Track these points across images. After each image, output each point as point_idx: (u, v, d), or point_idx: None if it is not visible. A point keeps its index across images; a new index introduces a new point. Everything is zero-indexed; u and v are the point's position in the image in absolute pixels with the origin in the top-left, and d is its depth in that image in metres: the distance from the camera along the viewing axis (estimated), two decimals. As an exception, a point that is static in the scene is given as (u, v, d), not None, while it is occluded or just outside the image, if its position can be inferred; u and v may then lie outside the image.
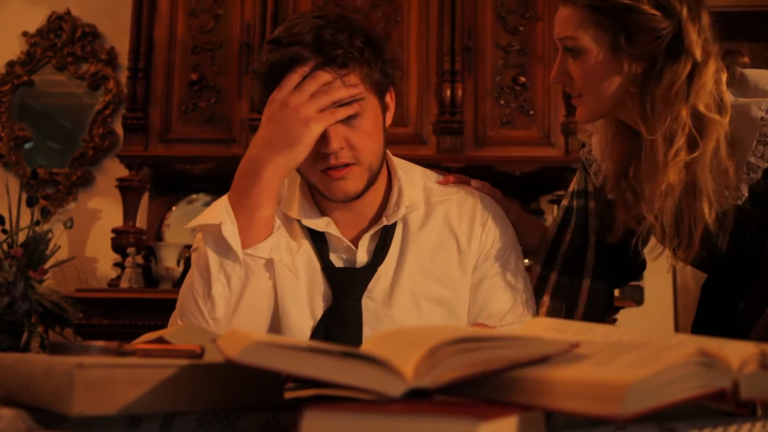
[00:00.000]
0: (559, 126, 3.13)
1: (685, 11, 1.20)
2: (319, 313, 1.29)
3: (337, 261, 1.32)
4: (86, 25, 3.65)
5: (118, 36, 3.55)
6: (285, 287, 1.30)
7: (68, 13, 3.65)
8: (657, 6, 1.20)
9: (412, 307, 1.31)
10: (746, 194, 1.24)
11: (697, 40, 1.20)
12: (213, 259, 1.19)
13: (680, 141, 1.19)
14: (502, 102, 3.15)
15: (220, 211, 1.20)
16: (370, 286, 1.30)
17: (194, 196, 3.49)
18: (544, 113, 3.14)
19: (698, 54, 1.20)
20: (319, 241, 1.32)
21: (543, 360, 0.59)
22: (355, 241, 1.33)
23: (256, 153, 1.19)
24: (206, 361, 0.64)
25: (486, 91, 3.14)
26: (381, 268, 1.31)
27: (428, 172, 1.44)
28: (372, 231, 1.32)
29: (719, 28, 1.25)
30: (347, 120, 1.22)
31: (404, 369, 0.56)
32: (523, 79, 3.15)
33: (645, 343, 0.63)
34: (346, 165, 1.24)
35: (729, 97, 1.23)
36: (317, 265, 1.31)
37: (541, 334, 0.76)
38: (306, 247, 1.33)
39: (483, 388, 0.59)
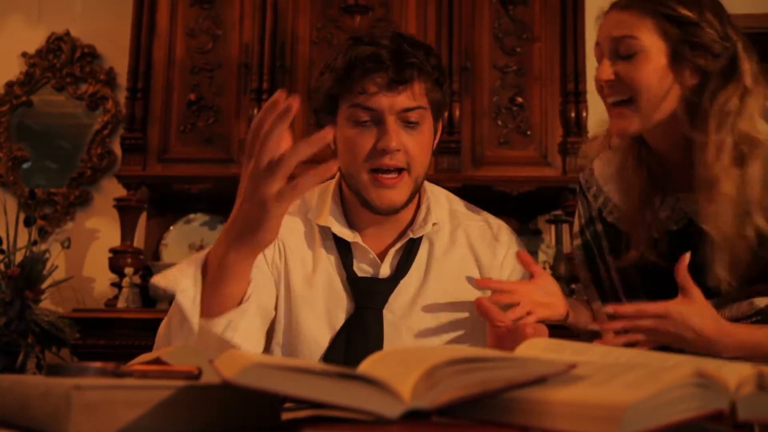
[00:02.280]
0: (557, 146, 3.14)
1: (740, 44, 1.29)
2: (337, 324, 1.31)
3: (360, 272, 1.35)
4: (85, 45, 3.67)
5: (117, 56, 3.57)
6: (300, 301, 1.32)
7: (67, 33, 3.67)
8: (716, 30, 1.28)
9: (431, 323, 1.34)
10: None
11: (749, 69, 1.28)
12: (174, 316, 1.10)
13: (730, 154, 1.25)
14: (499, 122, 3.16)
15: (186, 273, 1.08)
16: (390, 298, 1.33)
17: (192, 215, 3.49)
18: (541, 133, 3.15)
19: (749, 82, 1.27)
20: (344, 250, 1.35)
21: (540, 380, 0.59)
22: (381, 255, 1.36)
23: (226, 228, 1.04)
24: (203, 383, 0.64)
25: (483, 112, 3.16)
26: (402, 282, 1.34)
27: (452, 195, 1.48)
28: (398, 245, 1.36)
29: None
30: (408, 126, 1.28)
31: (401, 390, 0.56)
32: (520, 99, 3.17)
33: (642, 364, 0.63)
34: (398, 170, 1.28)
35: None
36: (338, 276, 1.34)
37: (539, 355, 0.76)
38: (328, 258, 1.36)
39: (481, 409, 0.59)
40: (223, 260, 1.04)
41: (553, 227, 3.30)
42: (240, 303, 1.08)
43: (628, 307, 1.23)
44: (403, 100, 1.26)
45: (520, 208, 3.36)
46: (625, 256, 1.38)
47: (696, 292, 1.22)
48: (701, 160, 1.27)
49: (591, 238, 1.48)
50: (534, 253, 3.29)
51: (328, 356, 1.29)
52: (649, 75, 1.28)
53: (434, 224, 1.37)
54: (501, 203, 3.12)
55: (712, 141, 1.25)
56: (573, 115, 3.11)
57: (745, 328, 1.25)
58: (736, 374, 0.60)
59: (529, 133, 3.15)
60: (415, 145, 1.28)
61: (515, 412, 0.58)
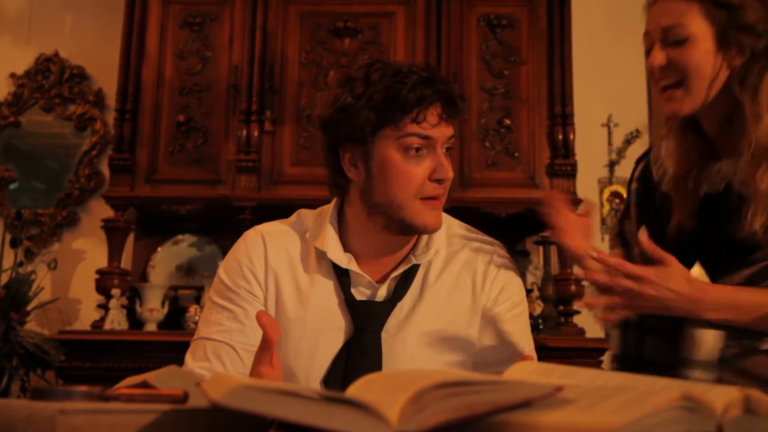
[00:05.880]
0: (544, 168, 3.16)
1: None
2: (333, 345, 1.33)
3: (358, 295, 1.37)
4: (74, 66, 3.67)
5: (105, 77, 3.57)
6: (293, 326, 1.34)
7: (56, 54, 3.67)
8: (759, 10, 1.35)
9: (424, 344, 1.35)
10: None
11: None
12: None
13: None
14: (487, 144, 3.18)
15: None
16: (387, 320, 1.35)
17: (180, 236, 3.48)
18: (528, 155, 3.17)
19: None
20: (342, 275, 1.37)
21: (527, 404, 0.59)
22: (381, 280, 1.38)
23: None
24: (189, 406, 0.64)
25: (471, 134, 3.17)
26: (399, 304, 1.36)
27: (450, 218, 1.49)
28: (400, 270, 1.37)
29: None
30: (445, 155, 1.34)
31: (389, 413, 0.56)
32: (508, 121, 3.19)
33: (630, 388, 0.63)
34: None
35: None
36: (335, 299, 1.36)
37: (526, 378, 0.76)
38: (325, 280, 1.37)
39: (468, 432, 0.59)
40: None
41: (540, 248, 3.31)
42: None
43: (611, 259, 1.31)
44: (450, 131, 1.34)
45: (508, 230, 3.36)
46: (667, 228, 1.44)
47: (670, 258, 1.28)
48: (756, 129, 1.33)
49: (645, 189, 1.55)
50: (522, 275, 3.29)
51: (328, 379, 1.30)
52: (699, 58, 1.35)
53: (436, 250, 1.39)
54: (489, 225, 3.10)
55: (766, 112, 1.32)
56: (560, 137, 3.13)
57: (723, 287, 1.31)
58: (722, 398, 0.60)
59: (516, 155, 3.17)
60: (452, 173, 1.35)
61: (503, 435, 0.57)
